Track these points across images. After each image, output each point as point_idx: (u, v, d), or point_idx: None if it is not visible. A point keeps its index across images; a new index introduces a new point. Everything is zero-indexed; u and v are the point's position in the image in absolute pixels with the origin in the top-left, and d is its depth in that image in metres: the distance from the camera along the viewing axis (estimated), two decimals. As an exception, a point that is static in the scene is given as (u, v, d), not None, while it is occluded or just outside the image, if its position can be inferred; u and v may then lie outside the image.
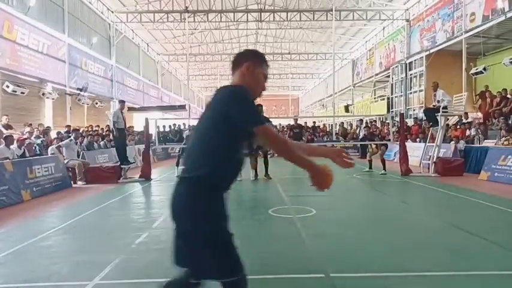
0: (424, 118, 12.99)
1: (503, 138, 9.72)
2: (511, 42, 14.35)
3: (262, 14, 22.19)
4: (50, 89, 14.88)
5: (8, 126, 10.37)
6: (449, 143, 11.13)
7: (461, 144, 10.83)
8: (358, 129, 15.69)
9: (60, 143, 9.69)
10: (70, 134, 10.44)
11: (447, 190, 7.41)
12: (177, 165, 10.49)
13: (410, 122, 16.88)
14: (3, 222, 5.33)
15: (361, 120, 15.95)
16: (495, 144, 9.76)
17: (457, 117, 12.63)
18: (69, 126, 13.30)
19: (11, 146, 7.88)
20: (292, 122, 19.59)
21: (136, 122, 19.84)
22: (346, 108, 26.55)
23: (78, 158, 9.93)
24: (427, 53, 17.41)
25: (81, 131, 12.42)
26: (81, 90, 16.97)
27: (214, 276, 1.75)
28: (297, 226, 4.79)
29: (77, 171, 9.31)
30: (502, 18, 12.28)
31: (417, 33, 19.41)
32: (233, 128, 1.64)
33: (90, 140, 12.36)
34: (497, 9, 12.83)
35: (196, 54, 31.30)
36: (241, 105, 1.65)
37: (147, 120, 10.36)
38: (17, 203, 6.71)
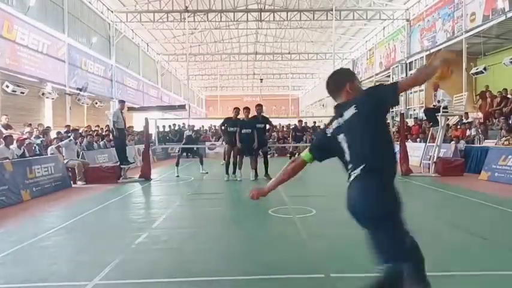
0: (424, 118, 12.98)
1: (504, 138, 9.72)
2: (511, 42, 14.34)
3: (262, 13, 22.18)
4: (50, 89, 14.86)
5: (7, 126, 10.36)
6: (450, 143, 11.12)
7: (462, 144, 10.83)
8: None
9: (59, 143, 9.68)
10: (69, 134, 10.43)
11: (447, 190, 7.40)
12: (177, 165, 10.47)
13: (410, 122, 16.88)
14: (3, 222, 5.32)
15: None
16: (495, 144, 9.75)
17: (457, 117, 12.63)
18: (68, 126, 13.30)
19: (11, 146, 7.87)
20: (292, 122, 19.59)
21: (136, 122, 19.84)
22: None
23: (78, 158, 9.92)
24: (428, 52, 17.40)
25: (80, 131, 12.41)
26: (80, 90, 16.95)
27: (391, 258, 1.96)
28: (297, 226, 4.78)
29: (76, 171, 9.30)
30: (502, 18, 12.27)
31: (417, 33, 19.39)
32: (384, 117, 2.06)
33: (89, 140, 12.35)
34: (497, 9, 12.81)
35: (196, 54, 31.27)
36: (379, 88, 2.04)
37: (147, 120, 10.36)
38: (17, 203, 6.70)
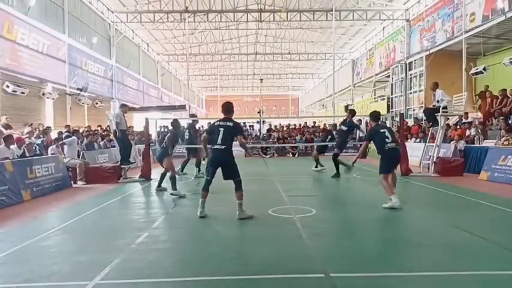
0: (424, 118, 12.98)
1: (503, 138, 9.71)
2: (511, 42, 14.34)
3: (262, 14, 22.19)
4: (50, 89, 14.87)
5: (8, 126, 10.36)
6: (449, 143, 11.12)
7: (461, 144, 10.82)
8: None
9: (64, 140, 9.67)
10: (71, 134, 10.44)
11: (447, 190, 7.41)
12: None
13: (410, 122, 16.88)
14: (3, 222, 5.32)
15: (361, 120, 15.94)
16: (495, 144, 9.75)
17: (457, 117, 12.62)
18: (68, 126, 13.30)
19: (11, 146, 7.87)
20: (292, 122, 19.57)
21: (136, 122, 19.83)
22: (346, 108, 26.54)
23: (79, 158, 9.93)
24: (427, 53, 17.41)
25: (81, 131, 12.41)
26: (81, 90, 16.97)
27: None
28: (297, 226, 4.79)
29: (77, 171, 9.30)
30: (502, 18, 12.28)
31: (417, 33, 19.40)
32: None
33: (90, 139, 12.35)
34: (497, 9, 12.83)
35: (196, 54, 31.30)
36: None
37: (147, 120, 10.37)
38: (17, 203, 6.70)
